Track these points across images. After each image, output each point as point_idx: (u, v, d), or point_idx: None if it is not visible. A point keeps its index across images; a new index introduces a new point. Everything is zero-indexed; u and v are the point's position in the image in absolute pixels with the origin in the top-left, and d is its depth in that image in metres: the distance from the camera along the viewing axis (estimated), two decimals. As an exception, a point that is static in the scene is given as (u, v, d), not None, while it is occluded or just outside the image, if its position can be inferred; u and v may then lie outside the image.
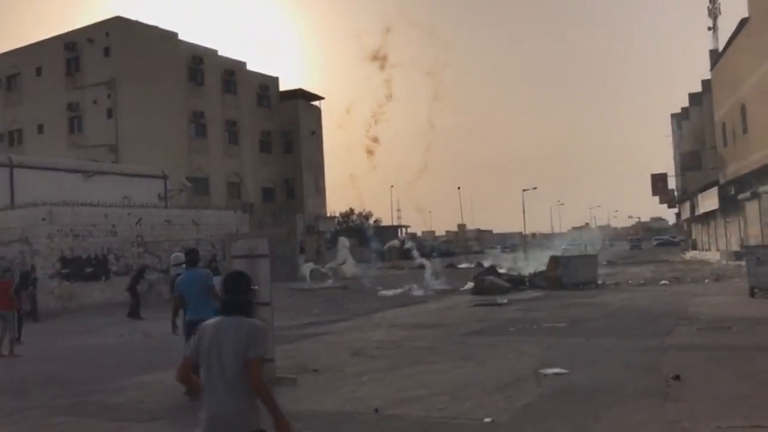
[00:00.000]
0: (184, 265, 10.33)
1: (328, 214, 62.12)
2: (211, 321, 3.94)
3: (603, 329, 13.48)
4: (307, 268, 36.96)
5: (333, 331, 15.74)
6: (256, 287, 4.17)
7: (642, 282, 26.99)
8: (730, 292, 20.47)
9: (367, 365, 10.75)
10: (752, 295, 18.12)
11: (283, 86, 56.27)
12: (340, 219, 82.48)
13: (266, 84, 54.45)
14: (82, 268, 24.96)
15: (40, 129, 46.01)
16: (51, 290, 23.89)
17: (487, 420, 7.13)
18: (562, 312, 17.12)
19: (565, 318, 15.54)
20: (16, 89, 48.03)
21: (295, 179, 53.95)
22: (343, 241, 44.79)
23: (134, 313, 21.39)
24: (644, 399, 7.65)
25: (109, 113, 42.71)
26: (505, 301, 20.95)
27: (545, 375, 9.26)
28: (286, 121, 54.23)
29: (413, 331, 14.76)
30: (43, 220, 23.97)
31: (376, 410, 7.77)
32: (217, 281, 9.89)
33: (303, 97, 56.02)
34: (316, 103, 57.97)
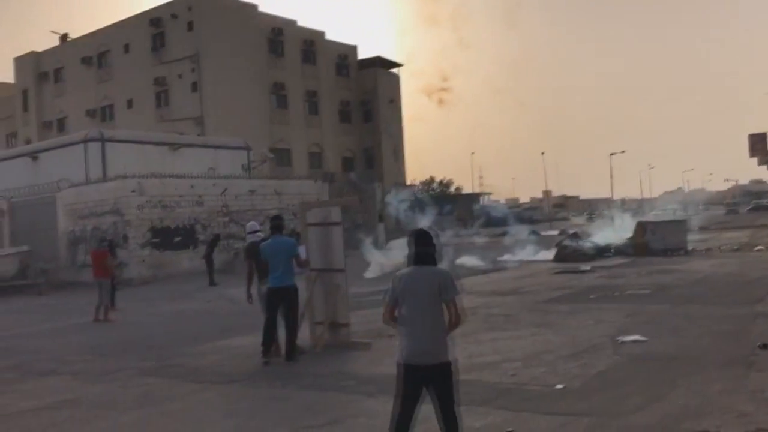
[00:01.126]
0: (259, 233, 10.56)
1: (408, 182, 62.21)
2: (405, 270, 4.71)
3: (688, 296, 13.00)
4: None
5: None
6: (438, 241, 4.83)
7: (735, 248, 25.79)
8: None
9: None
10: None
11: (362, 54, 56.35)
12: (420, 187, 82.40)
13: (345, 53, 54.64)
14: (171, 238, 26.01)
15: (130, 104, 47.85)
16: (142, 259, 25.04)
17: (558, 387, 7.04)
18: (646, 279, 16.59)
19: (650, 285, 15.06)
20: (107, 66, 50.01)
21: (374, 148, 54.18)
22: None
23: (211, 281, 22.27)
24: (726, 368, 7.36)
25: (194, 87, 43.93)
26: (588, 268, 20.45)
27: (623, 342, 9.03)
28: (365, 90, 54.38)
29: (490, 298, 14.66)
30: (133, 191, 25.05)
31: (449, 375, 7.80)
32: (302, 251, 10.03)
33: (381, 65, 55.93)
34: (394, 70, 57.78)
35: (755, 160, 60.85)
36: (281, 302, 9.29)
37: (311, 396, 7.33)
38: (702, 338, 9.10)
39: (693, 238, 28.60)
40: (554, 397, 6.68)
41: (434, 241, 4.73)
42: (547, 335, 9.97)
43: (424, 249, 4.68)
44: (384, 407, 6.66)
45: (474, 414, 6.24)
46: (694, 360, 7.85)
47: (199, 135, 40.03)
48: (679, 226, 26.23)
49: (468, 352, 9.02)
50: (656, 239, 24.34)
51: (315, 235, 10.42)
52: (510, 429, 5.69)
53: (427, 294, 4.57)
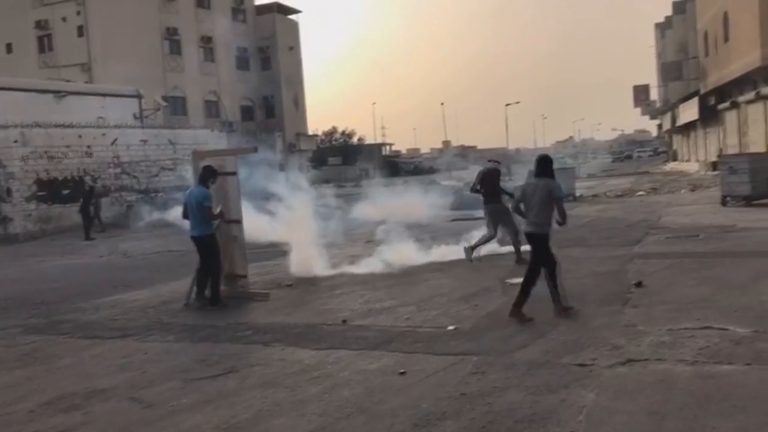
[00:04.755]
0: None
1: (310, 133, 61.60)
2: (531, 180, 7.87)
3: (574, 240, 13.64)
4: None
5: (325, 245, 15.86)
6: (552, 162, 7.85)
7: (619, 194, 27.22)
8: (703, 201, 20.72)
9: (340, 279, 10.89)
10: (724, 203, 18.37)
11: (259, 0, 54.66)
12: (323, 137, 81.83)
13: (241, -3, 52.82)
14: (59, 190, 24.78)
15: (9, 48, 44.63)
16: (28, 213, 23.79)
17: (450, 327, 7.31)
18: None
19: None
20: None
21: (274, 96, 53.12)
22: None
23: (86, 235, 21.72)
24: (605, 305, 7.84)
25: (80, 31, 41.43)
26: (483, 215, 21.05)
27: (511, 284, 9.43)
28: (263, 37, 52.91)
29: (386, 245, 14.85)
30: (15, 142, 23.59)
31: (344, 321, 7.94)
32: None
33: (280, 11, 54.49)
34: (293, 17, 56.46)
35: (639, 110, 63.91)
36: (198, 251, 9.63)
37: (206, 348, 7.29)
38: (585, 279, 9.62)
39: (581, 185, 29.94)
40: (446, 338, 6.93)
41: (551, 160, 7.82)
42: (441, 279, 10.28)
43: (542, 167, 7.62)
44: (280, 354, 6.77)
45: (368, 357, 6.41)
46: (576, 299, 8.26)
47: (86, 82, 37.90)
48: (567, 173, 27.33)
49: (365, 298, 9.21)
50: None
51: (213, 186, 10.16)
52: (402, 370, 5.87)
53: (542, 194, 7.43)
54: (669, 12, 55.25)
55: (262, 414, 5.15)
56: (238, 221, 10.07)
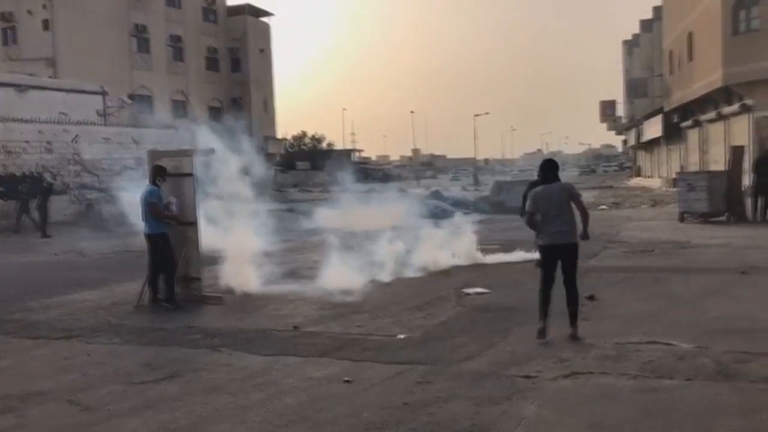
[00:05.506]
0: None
1: (279, 136, 61.34)
2: (540, 188, 7.00)
3: (531, 251, 13.72)
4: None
5: (270, 253, 15.72)
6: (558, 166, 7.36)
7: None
8: (662, 217, 21.06)
9: (296, 285, 10.78)
10: (681, 220, 18.69)
11: (231, 1, 54.31)
12: (292, 141, 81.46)
13: (212, -2, 52.43)
14: (16, 186, 24.23)
15: (-29, 40, 43.67)
16: (-17, 208, 23.23)
17: (400, 336, 7.29)
18: (499, 234, 17.41)
19: (501, 241, 15.81)
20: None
21: (243, 98, 52.76)
22: None
23: (43, 232, 21.46)
24: (556, 318, 7.85)
25: (45, 24, 40.69)
26: (444, 224, 21.10)
27: (467, 294, 9.47)
28: (234, 38, 52.57)
29: (345, 251, 14.80)
30: (-27, 135, 23.05)
31: (295, 327, 7.87)
32: (174, 202, 9.73)
33: (251, 13, 54.21)
34: (265, 19, 56.21)
35: (605, 125, 64.87)
36: (149, 249, 9.70)
37: (152, 351, 7.16)
38: (537, 291, 9.66)
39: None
40: (395, 347, 6.91)
41: (557, 164, 7.32)
42: (397, 288, 10.26)
43: (550, 171, 7.05)
44: (227, 360, 6.68)
45: (315, 365, 6.35)
46: (528, 310, 8.28)
47: (50, 77, 37.22)
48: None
49: (319, 305, 9.14)
50: (511, 198, 25.48)
51: (166, 186, 10.02)
52: (348, 378, 5.83)
53: (560, 198, 6.84)
54: (637, 30, 56.30)
55: (201, 420, 5.06)
56: (193, 223, 9.94)
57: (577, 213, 6.96)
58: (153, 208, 9.45)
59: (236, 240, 10.94)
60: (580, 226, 6.92)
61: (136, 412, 5.27)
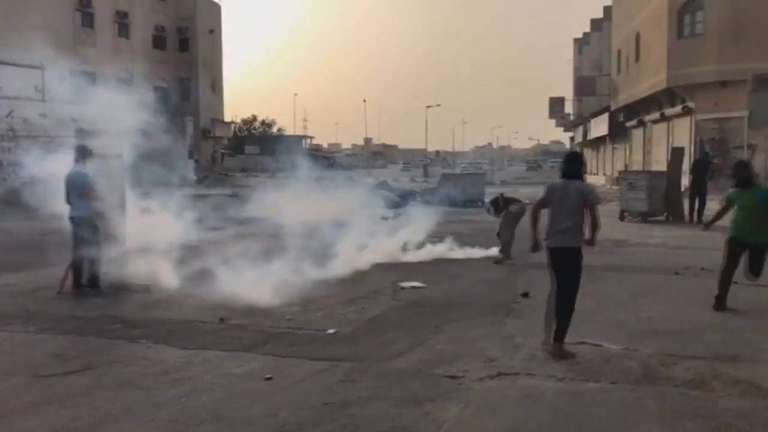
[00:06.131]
0: None
1: (228, 119, 60.24)
2: (558, 181, 6.34)
3: (473, 246, 13.68)
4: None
5: (211, 240, 15.34)
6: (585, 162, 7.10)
7: (527, 202, 27.71)
8: (604, 215, 21.23)
9: (227, 276, 10.43)
10: (622, 218, 18.95)
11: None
12: (241, 125, 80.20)
13: (162, -26, 50.97)
14: (-56, 162, 23.15)
15: None
16: None
17: (330, 331, 7.09)
18: (444, 228, 17.32)
19: (445, 233, 15.72)
20: None
21: (191, 80, 51.53)
22: None
23: None
24: (489, 315, 7.80)
25: (-17, -6, 38.89)
26: (391, 215, 20.99)
27: (403, 288, 9.32)
28: (183, 17, 51.23)
29: (285, 241, 14.52)
30: None
31: (222, 319, 7.59)
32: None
33: (202, -7, 52.91)
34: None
35: (554, 121, 65.73)
36: (74, 232, 9.34)
37: (67, 341, 6.80)
38: (475, 286, 9.62)
39: (493, 191, 30.34)
40: (323, 342, 6.71)
41: (582, 161, 6.80)
42: (333, 280, 10.02)
43: (572, 167, 6.38)
44: (145, 352, 6.38)
45: (237, 360, 6.11)
46: (463, 306, 8.26)
47: (-13, 49, 35.58)
48: (478, 179, 27.73)
49: (250, 296, 8.84)
50: (457, 191, 25.53)
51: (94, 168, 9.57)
52: (269, 375, 5.61)
53: (575, 197, 6.16)
54: (588, 29, 57.08)
55: (108, 418, 4.78)
56: (122, 206, 9.55)
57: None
58: (91, 190, 9.05)
59: (167, 228, 10.57)
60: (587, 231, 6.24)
61: (39, 407, 4.96)
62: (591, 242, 6.24)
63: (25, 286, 9.70)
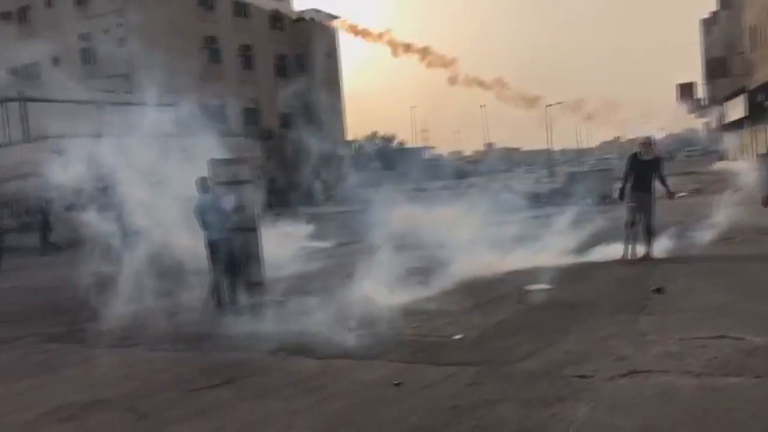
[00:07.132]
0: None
1: (350, 138, 61.76)
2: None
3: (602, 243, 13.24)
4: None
5: (335, 254, 15.86)
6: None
7: (658, 195, 26.45)
8: (747, 202, 19.96)
9: (358, 287, 10.67)
10: (765, 204, 17.64)
11: (297, 7, 55.08)
12: (362, 143, 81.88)
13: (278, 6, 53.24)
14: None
15: (56, 61, 45.83)
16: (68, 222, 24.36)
17: (456, 337, 7.15)
18: (569, 227, 16.89)
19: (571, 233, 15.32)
20: (28, 22, 47.66)
21: (313, 103, 53.31)
22: None
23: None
24: (620, 313, 7.57)
25: (121, 42, 42.31)
26: (517, 219, 20.71)
27: (528, 291, 9.22)
28: (301, 44, 53.24)
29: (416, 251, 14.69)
30: (54, 152, 24.13)
31: (349, 330, 7.80)
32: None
33: (317, 18, 54.74)
34: (332, 22, 56.67)
35: (685, 108, 62.24)
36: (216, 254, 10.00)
37: (211, 356, 7.28)
38: (605, 285, 9.35)
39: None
40: (450, 348, 6.78)
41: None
42: (457, 287, 10.02)
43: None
44: (282, 364, 6.71)
45: (367, 367, 6.30)
46: (591, 306, 8.05)
47: (127, 93, 38.65)
48: (604, 175, 26.82)
49: (375, 305, 9.03)
50: (584, 188, 24.83)
51: (227, 194, 10.22)
52: (398, 381, 5.75)
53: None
54: (714, 7, 53.90)
55: (249, 426, 5.10)
56: (254, 229, 10.10)
57: None
58: (224, 215, 9.77)
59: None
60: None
61: (188, 419, 5.36)
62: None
63: (172, 309, 10.42)
